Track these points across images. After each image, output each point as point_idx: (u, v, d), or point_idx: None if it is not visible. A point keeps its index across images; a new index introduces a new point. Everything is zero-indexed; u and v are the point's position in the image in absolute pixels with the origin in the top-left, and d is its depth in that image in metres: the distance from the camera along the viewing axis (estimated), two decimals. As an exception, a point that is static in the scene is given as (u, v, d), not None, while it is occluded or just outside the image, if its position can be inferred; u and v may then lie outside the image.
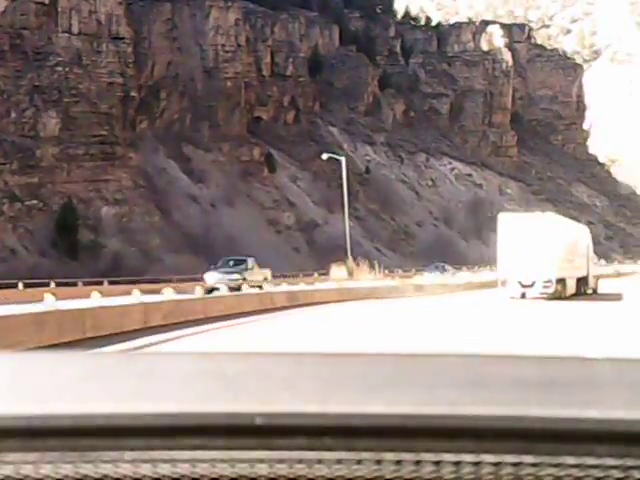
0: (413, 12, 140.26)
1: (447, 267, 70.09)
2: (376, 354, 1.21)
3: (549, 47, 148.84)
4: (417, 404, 1.05)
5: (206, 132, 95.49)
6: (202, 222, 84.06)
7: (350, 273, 47.56)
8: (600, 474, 1.01)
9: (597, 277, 47.74)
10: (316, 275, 52.92)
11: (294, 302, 31.79)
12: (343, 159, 59.05)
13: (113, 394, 1.07)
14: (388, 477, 1.01)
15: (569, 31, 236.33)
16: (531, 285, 38.55)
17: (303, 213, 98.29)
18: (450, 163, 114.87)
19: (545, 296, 38.00)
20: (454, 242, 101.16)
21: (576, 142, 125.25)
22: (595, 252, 50.32)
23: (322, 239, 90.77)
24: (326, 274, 51.19)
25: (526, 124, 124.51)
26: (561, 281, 39.32)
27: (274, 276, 46.05)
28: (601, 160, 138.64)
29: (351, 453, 1.01)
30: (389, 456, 1.01)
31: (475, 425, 1.03)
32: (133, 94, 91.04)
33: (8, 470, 1.02)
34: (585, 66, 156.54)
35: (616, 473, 1.02)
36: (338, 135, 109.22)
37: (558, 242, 39.04)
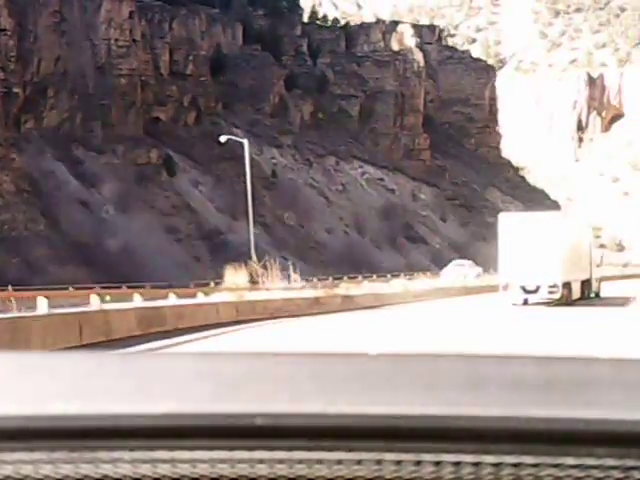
0: (320, 13, 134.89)
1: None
2: (376, 354, 1.20)
3: (460, 49, 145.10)
4: (417, 404, 1.04)
5: (99, 133, 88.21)
6: (93, 230, 76.93)
7: (253, 279, 37.62)
8: (600, 475, 1.01)
9: (599, 280, 44.68)
10: (212, 284, 44.48)
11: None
12: (245, 141, 52.40)
13: (113, 394, 1.07)
14: (388, 477, 1.01)
15: (474, 40, 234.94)
16: (535, 290, 35.44)
17: (205, 220, 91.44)
18: (361, 167, 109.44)
19: (551, 302, 35.32)
20: (367, 250, 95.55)
21: (489, 146, 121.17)
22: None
23: (225, 248, 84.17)
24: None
25: (439, 127, 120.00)
26: (567, 285, 36.23)
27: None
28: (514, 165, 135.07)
29: (351, 453, 1.01)
30: (389, 456, 1.01)
31: (475, 425, 1.02)
32: (16, 91, 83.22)
33: (8, 470, 1.01)
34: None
35: (616, 474, 1.01)
36: (242, 137, 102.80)
37: (563, 243, 36.08)
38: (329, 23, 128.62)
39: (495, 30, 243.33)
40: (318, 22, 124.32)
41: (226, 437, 1.02)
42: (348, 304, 34.49)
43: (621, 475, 1.01)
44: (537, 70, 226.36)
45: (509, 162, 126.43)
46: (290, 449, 1.02)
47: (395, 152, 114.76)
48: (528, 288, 35.47)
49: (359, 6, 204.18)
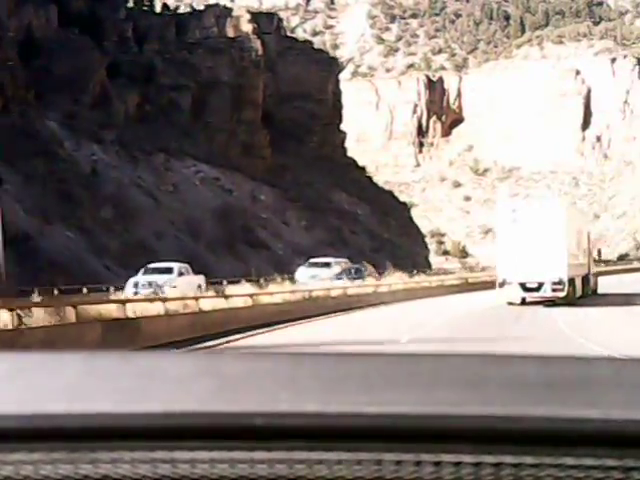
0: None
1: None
2: (376, 354, 1.20)
3: (301, 39, 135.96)
4: (417, 404, 1.04)
5: None
6: None
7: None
8: (600, 475, 1.00)
9: (596, 275, 40.98)
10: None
11: None
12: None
13: (113, 394, 1.06)
14: (388, 477, 1.00)
15: (311, 44, 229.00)
16: (537, 288, 32.01)
17: (11, 224, 77.92)
18: (194, 165, 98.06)
19: (548, 301, 31.83)
20: (201, 256, 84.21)
21: (333, 144, 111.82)
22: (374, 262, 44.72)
23: (36, 256, 71.46)
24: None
25: (279, 123, 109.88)
26: (572, 282, 32.60)
27: None
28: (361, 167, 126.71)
29: (351, 453, 1.01)
30: (389, 456, 1.01)
31: (475, 425, 1.02)
32: None
33: (8, 470, 1.01)
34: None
35: (616, 474, 1.01)
36: (58, 130, 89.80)
37: (570, 233, 32.73)
38: (158, 7, 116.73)
39: (332, 34, 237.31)
40: (145, 6, 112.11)
41: (226, 437, 1.01)
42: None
43: (621, 475, 1.01)
44: (375, 74, 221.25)
45: (354, 162, 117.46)
46: (290, 449, 1.01)
47: (232, 149, 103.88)
48: (529, 285, 31.64)
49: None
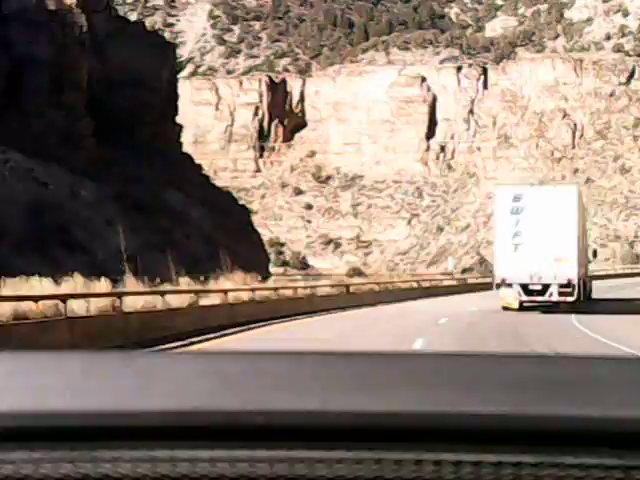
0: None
1: None
2: (376, 353, 1.20)
3: (133, 20, 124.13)
4: (417, 404, 1.04)
5: None
6: None
7: None
8: (600, 474, 1.00)
9: (591, 278, 36.78)
10: None
11: None
12: None
13: (113, 393, 1.06)
14: (388, 477, 1.00)
15: (144, 25, 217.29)
16: (542, 291, 28.81)
17: None
18: (4, 153, 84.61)
19: (560, 305, 27.68)
20: (5, 257, 71.40)
21: (167, 138, 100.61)
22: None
23: None
24: None
25: (106, 111, 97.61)
26: (581, 284, 28.26)
27: None
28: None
29: (351, 453, 1.01)
30: (389, 456, 1.01)
31: (475, 425, 1.02)
32: None
33: (8, 470, 1.01)
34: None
35: (616, 473, 1.00)
36: None
37: (580, 227, 28.37)
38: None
39: (172, 32, 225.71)
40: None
41: (226, 436, 1.01)
42: None
43: (621, 475, 1.00)
44: (216, 75, 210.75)
45: (191, 158, 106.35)
46: (290, 448, 1.01)
47: (50, 137, 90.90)
48: (532, 287, 27.93)
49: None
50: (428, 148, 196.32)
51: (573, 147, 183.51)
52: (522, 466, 1.00)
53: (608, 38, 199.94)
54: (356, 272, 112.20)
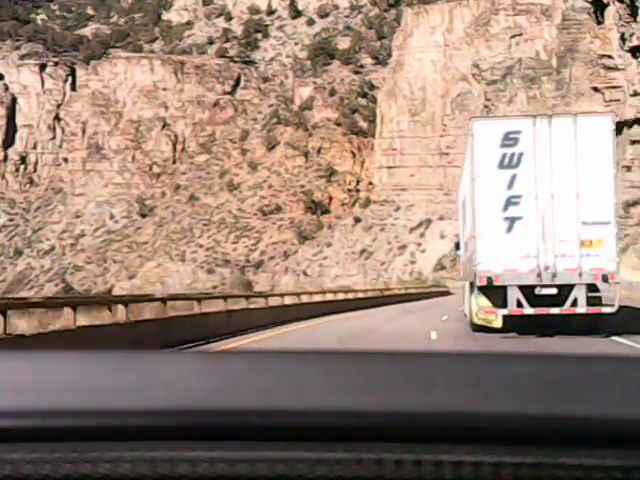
0: None
1: None
2: (376, 352, 1.20)
3: None
4: (417, 404, 1.04)
5: None
6: None
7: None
8: (600, 474, 1.01)
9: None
10: None
11: None
12: None
13: (113, 393, 1.07)
14: (388, 477, 1.01)
15: None
16: (557, 296, 18.69)
17: None
18: None
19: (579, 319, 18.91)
20: None
21: None
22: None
23: None
24: None
25: None
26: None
27: None
28: None
29: (351, 453, 1.01)
30: (389, 456, 1.01)
31: (475, 425, 1.02)
32: None
33: (8, 470, 1.01)
34: None
35: (616, 473, 1.01)
36: None
37: (618, 187, 19.08)
38: None
39: None
40: None
41: (226, 436, 1.02)
42: None
43: (621, 475, 1.01)
44: None
45: None
46: (290, 448, 1.02)
47: None
48: (541, 291, 18.49)
49: None
50: (5, 158, 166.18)
51: (174, 161, 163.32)
52: (522, 466, 1.01)
53: (211, 42, 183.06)
54: None
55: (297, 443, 1.02)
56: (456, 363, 1.16)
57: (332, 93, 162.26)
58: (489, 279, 19.89)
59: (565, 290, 19.75)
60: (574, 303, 19.68)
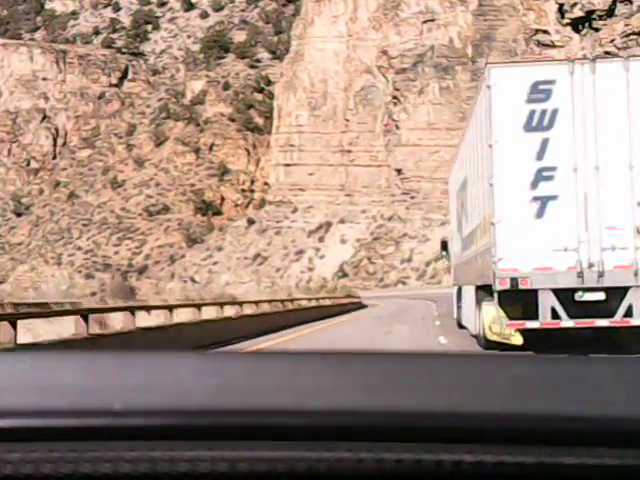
0: None
1: None
2: (376, 353, 1.21)
3: None
4: (417, 403, 1.05)
5: None
6: None
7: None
8: (600, 474, 1.02)
9: None
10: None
11: None
12: None
13: (113, 393, 1.07)
14: (388, 477, 1.01)
15: None
16: (604, 302, 15.76)
17: None
18: None
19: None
20: None
21: None
22: None
23: None
24: None
25: None
26: None
27: None
28: None
29: (351, 453, 1.02)
30: (389, 456, 1.01)
31: (475, 425, 1.03)
32: None
33: (8, 470, 1.02)
34: None
35: (616, 473, 1.02)
36: None
37: None
38: None
39: None
40: None
41: (226, 436, 1.02)
42: None
43: (621, 475, 1.02)
44: None
45: None
46: (290, 448, 1.02)
47: None
48: (582, 297, 15.51)
49: None
50: None
51: (54, 157, 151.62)
52: (522, 466, 1.01)
53: (97, 33, 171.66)
54: None
55: (297, 443, 1.02)
56: (456, 363, 1.16)
57: (226, 87, 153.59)
58: (513, 281, 16.20)
59: (615, 295, 16.26)
60: (628, 312, 16.07)
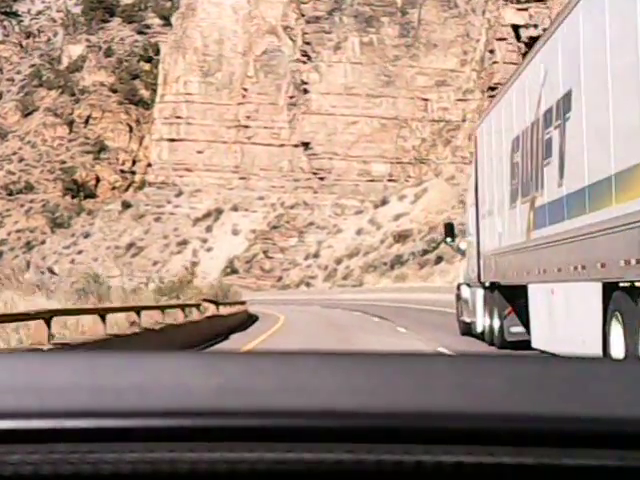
0: None
1: None
2: (377, 354, 1.21)
3: None
4: (417, 404, 1.05)
5: None
6: None
7: None
8: (600, 474, 1.02)
9: None
10: None
11: None
12: None
13: (113, 394, 1.07)
14: (388, 477, 1.02)
15: None
16: None
17: None
18: None
19: None
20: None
21: None
22: None
23: None
24: None
25: None
26: None
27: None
28: None
29: (351, 454, 1.02)
30: (389, 457, 1.02)
31: (475, 426, 1.03)
32: None
33: (9, 471, 1.02)
34: None
35: (617, 474, 1.02)
36: None
37: None
38: None
39: None
40: None
41: (226, 437, 1.03)
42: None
43: (621, 475, 1.02)
44: None
45: None
46: (290, 449, 1.02)
47: None
48: None
49: None
50: None
51: None
52: (522, 467, 1.01)
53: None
54: None
55: (297, 444, 1.02)
56: (456, 363, 1.17)
57: (108, 54, 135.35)
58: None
59: None
60: None
